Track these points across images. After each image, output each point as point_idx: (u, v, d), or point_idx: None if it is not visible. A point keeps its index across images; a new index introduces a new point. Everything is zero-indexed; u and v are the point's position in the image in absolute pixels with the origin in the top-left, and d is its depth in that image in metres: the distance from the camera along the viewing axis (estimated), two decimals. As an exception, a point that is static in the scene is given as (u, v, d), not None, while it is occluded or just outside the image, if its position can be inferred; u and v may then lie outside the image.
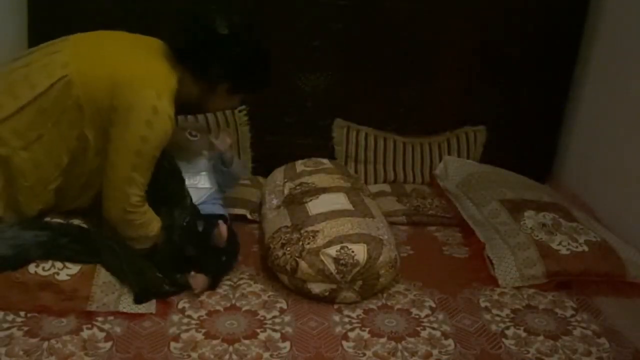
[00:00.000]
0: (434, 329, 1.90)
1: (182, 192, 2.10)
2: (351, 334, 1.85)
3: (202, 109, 2.26)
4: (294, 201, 2.28)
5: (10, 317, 1.78)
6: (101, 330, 1.78)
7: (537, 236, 2.26)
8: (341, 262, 1.95)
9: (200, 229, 2.09)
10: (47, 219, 1.99)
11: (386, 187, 2.79)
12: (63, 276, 1.85)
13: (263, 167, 2.73)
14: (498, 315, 2.00)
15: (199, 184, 2.24)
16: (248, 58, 2.03)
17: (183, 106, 2.01)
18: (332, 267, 1.95)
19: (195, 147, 2.27)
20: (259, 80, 2.12)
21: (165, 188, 2.05)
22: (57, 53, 1.95)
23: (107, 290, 1.87)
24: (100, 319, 1.82)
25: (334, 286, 1.97)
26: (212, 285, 2.02)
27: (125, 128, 1.87)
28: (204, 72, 2.01)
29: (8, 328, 1.75)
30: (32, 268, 1.83)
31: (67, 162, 1.93)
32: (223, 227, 2.02)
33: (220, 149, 2.26)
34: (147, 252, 2.00)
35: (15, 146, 1.89)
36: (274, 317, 1.91)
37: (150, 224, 1.98)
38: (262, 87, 2.16)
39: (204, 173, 2.26)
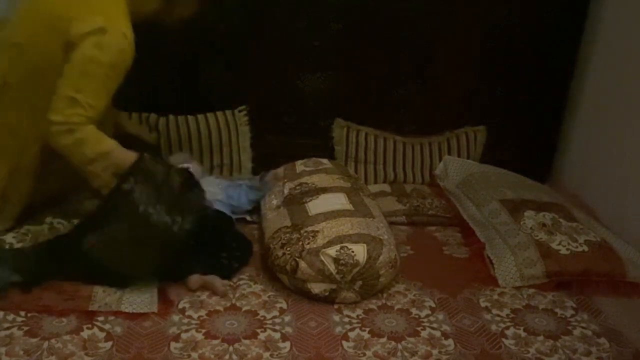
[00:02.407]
0: (434, 329, 1.90)
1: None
2: (351, 334, 1.86)
3: (164, 19, 2.20)
4: (294, 201, 2.28)
5: (10, 317, 1.78)
6: (101, 330, 1.78)
7: (537, 236, 2.26)
8: (341, 262, 1.95)
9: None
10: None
11: (386, 187, 2.78)
12: (64, 276, 1.86)
13: (263, 167, 2.73)
14: (498, 315, 2.00)
15: (211, 187, 2.33)
16: None
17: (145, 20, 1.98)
18: (332, 267, 1.95)
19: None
20: None
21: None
22: (6, 27, 1.96)
23: (108, 290, 1.88)
24: (100, 318, 1.82)
25: (334, 286, 1.97)
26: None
27: (74, 53, 1.85)
28: None
29: (8, 328, 1.75)
30: (33, 268, 1.84)
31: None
32: (195, 282, 2.00)
33: (270, 184, 2.47)
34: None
35: (9, 143, 1.91)
36: (274, 317, 1.91)
37: (102, 141, 1.90)
38: None
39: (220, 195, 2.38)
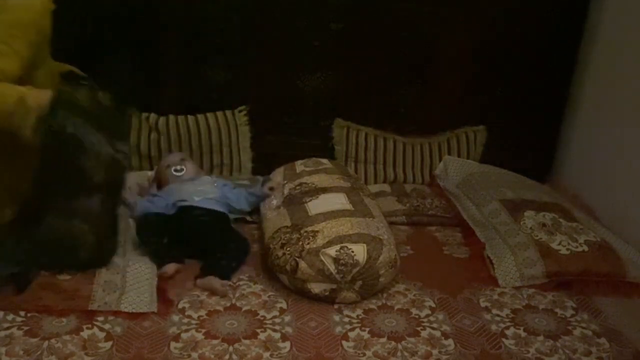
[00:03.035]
0: (434, 329, 1.90)
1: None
2: (351, 334, 1.86)
3: None
4: (294, 201, 2.28)
5: (10, 317, 1.78)
6: (101, 330, 1.78)
7: (537, 236, 2.26)
8: (341, 262, 1.95)
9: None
10: None
11: (386, 187, 2.79)
12: (64, 275, 1.86)
13: (263, 167, 2.73)
14: (498, 315, 2.00)
15: (205, 186, 2.36)
16: None
17: None
18: (332, 267, 1.95)
19: (186, 178, 2.39)
20: None
21: None
22: None
23: (108, 289, 1.88)
24: (100, 318, 1.82)
25: (334, 286, 1.97)
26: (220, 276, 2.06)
27: None
28: None
29: (8, 328, 1.75)
30: (33, 268, 1.84)
31: None
32: (171, 268, 2.05)
33: (273, 188, 2.43)
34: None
35: None
36: (274, 317, 1.91)
37: (11, 90, 1.81)
38: None
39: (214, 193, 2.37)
